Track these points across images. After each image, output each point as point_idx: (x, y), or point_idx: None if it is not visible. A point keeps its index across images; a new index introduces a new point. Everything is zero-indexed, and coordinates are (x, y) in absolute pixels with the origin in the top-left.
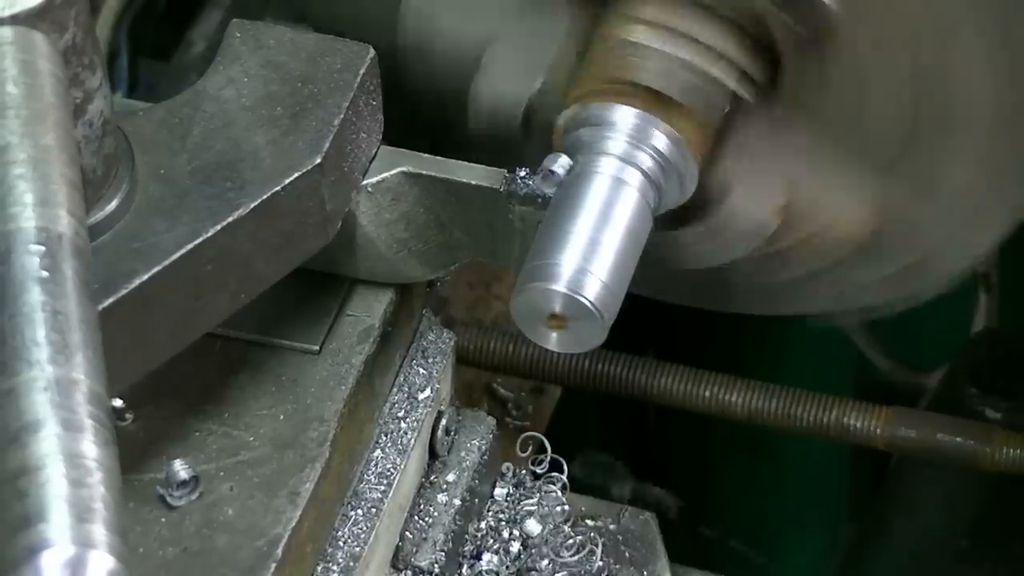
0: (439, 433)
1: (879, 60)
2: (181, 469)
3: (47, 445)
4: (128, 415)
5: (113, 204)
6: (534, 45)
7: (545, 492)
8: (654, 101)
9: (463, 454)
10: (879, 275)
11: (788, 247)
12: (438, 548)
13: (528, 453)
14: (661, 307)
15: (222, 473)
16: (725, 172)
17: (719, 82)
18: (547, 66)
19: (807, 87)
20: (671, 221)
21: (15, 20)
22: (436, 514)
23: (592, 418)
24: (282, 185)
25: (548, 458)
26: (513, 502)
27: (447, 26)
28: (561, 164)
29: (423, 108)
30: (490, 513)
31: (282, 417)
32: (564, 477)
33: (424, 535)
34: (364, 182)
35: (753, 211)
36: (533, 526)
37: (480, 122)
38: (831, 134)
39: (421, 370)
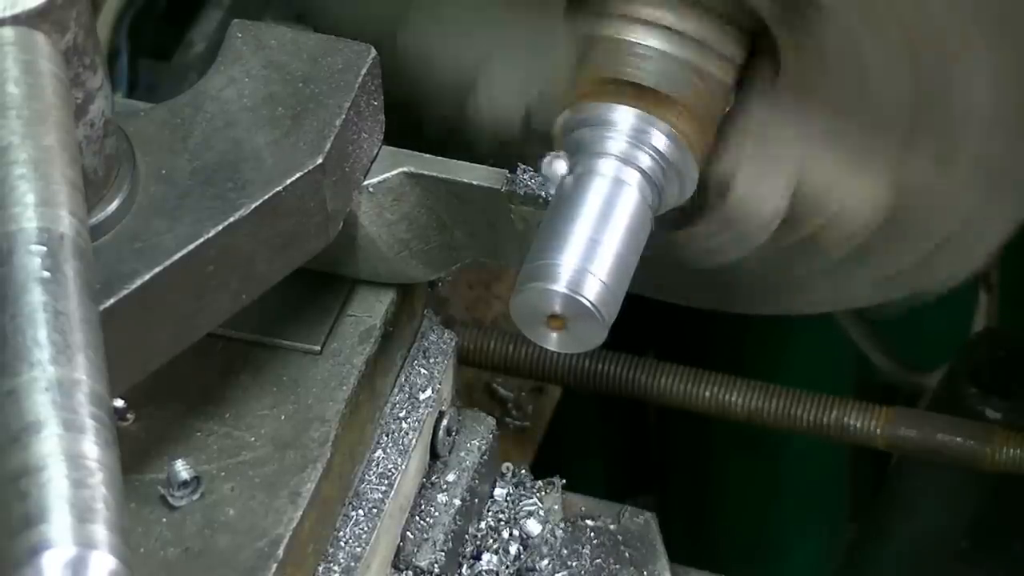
0: (440, 433)
1: (871, 31)
2: (182, 469)
3: (48, 445)
4: (129, 415)
5: (114, 204)
6: (531, 56)
7: (545, 492)
8: (652, 100)
9: (463, 454)
10: (907, 262)
11: (804, 237)
12: (438, 548)
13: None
14: (661, 307)
15: (223, 473)
16: (730, 164)
17: (717, 79)
18: (545, 74)
19: (806, 70)
20: (680, 220)
21: (16, 20)
22: (436, 514)
23: (592, 418)
24: (283, 185)
25: None
26: (513, 502)
27: (443, 49)
28: (561, 165)
29: (426, 123)
30: (490, 513)
31: (283, 417)
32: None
33: (425, 535)
34: (365, 182)
35: (762, 200)
36: (533, 526)
37: (482, 137)
38: (836, 115)
39: (422, 370)
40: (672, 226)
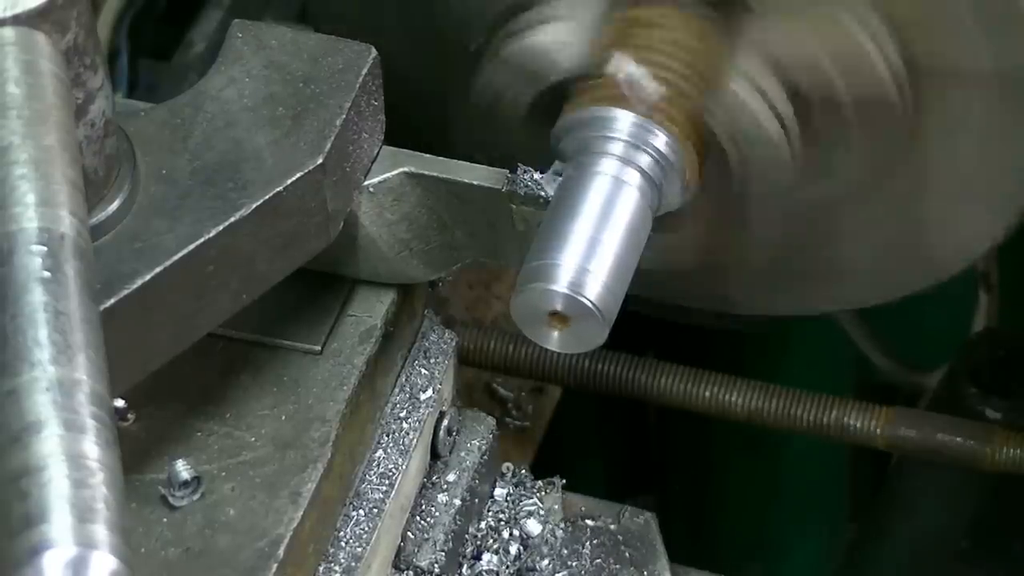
0: (441, 434)
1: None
2: (183, 469)
3: (49, 445)
4: (130, 415)
5: (115, 205)
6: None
7: (545, 492)
8: (653, 103)
9: (463, 454)
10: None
11: (825, 117)
12: (438, 548)
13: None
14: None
15: (224, 473)
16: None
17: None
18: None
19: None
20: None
21: (17, 20)
22: (437, 514)
23: (592, 418)
24: (284, 185)
25: None
26: (513, 502)
27: None
28: (560, 168)
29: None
30: (490, 513)
31: (284, 417)
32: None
33: (425, 535)
34: (366, 182)
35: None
36: (533, 526)
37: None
38: None
39: (423, 370)
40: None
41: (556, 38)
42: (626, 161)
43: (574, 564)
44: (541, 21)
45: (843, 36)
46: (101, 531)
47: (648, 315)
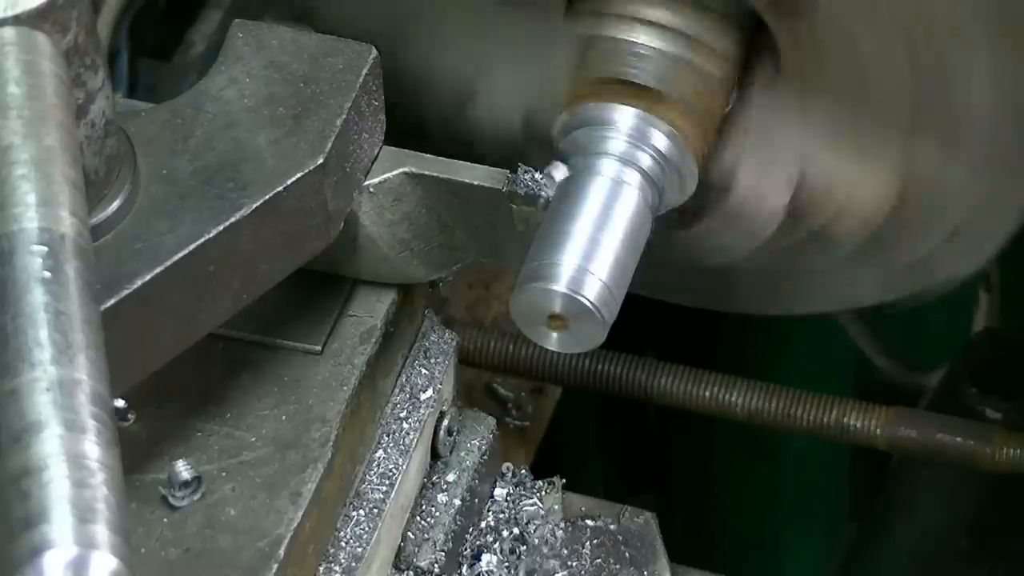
0: (441, 434)
1: (866, 23)
2: (183, 469)
3: (50, 446)
4: (130, 415)
5: (115, 205)
6: (530, 60)
7: (545, 492)
8: (652, 100)
9: (463, 454)
10: (915, 256)
11: (813, 231)
12: (438, 548)
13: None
14: (661, 307)
15: (224, 473)
16: (731, 161)
17: (717, 77)
18: (545, 77)
19: (805, 65)
20: (683, 219)
21: (17, 20)
22: (437, 514)
23: (592, 418)
24: (284, 185)
25: None
26: (513, 502)
27: (442, 61)
28: (560, 171)
29: (427, 129)
30: (490, 513)
31: (284, 418)
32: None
33: (425, 535)
34: (366, 182)
35: (764, 197)
36: (533, 526)
37: (484, 142)
38: (837, 108)
39: (423, 370)
40: (674, 226)
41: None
42: (626, 161)
43: (574, 564)
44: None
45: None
46: (102, 531)
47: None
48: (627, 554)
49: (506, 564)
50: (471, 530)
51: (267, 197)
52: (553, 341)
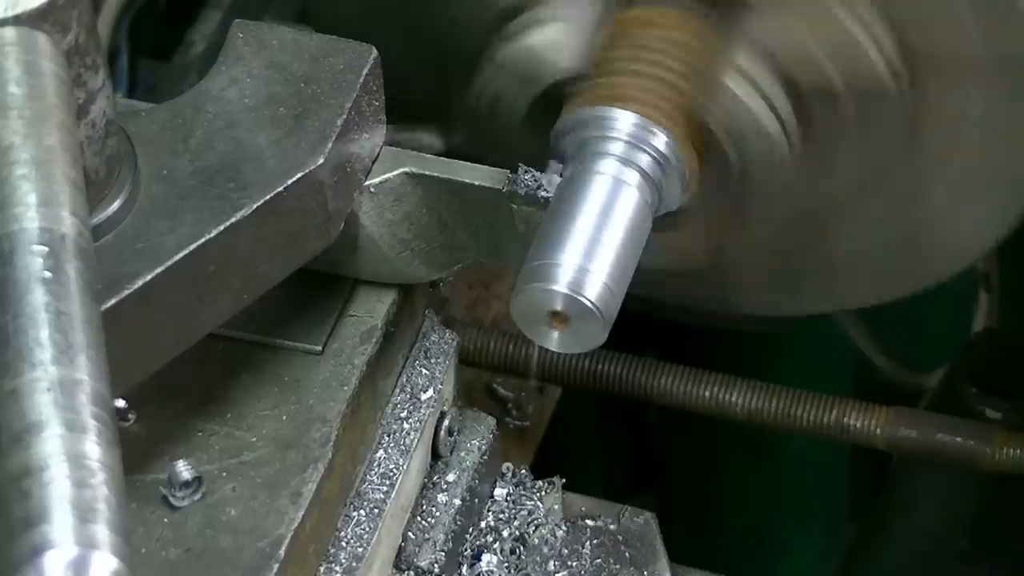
0: (442, 434)
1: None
2: (184, 470)
3: (50, 446)
4: (131, 416)
5: (116, 205)
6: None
7: (545, 492)
8: (653, 102)
9: (463, 454)
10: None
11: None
12: (438, 548)
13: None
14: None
15: (225, 474)
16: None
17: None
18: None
19: None
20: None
21: (18, 20)
22: (437, 514)
23: (592, 418)
24: (285, 185)
25: None
26: (513, 502)
27: None
28: (560, 169)
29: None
30: (490, 513)
31: (284, 418)
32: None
33: (426, 535)
34: (367, 182)
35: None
36: (533, 526)
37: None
38: None
39: (424, 371)
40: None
41: (554, 39)
42: (626, 161)
43: (574, 564)
44: (538, 23)
45: (838, 28)
46: (102, 531)
47: (648, 314)
48: (627, 554)
49: (506, 564)
50: (471, 530)
51: (268, 197)
52: (554, 341)
